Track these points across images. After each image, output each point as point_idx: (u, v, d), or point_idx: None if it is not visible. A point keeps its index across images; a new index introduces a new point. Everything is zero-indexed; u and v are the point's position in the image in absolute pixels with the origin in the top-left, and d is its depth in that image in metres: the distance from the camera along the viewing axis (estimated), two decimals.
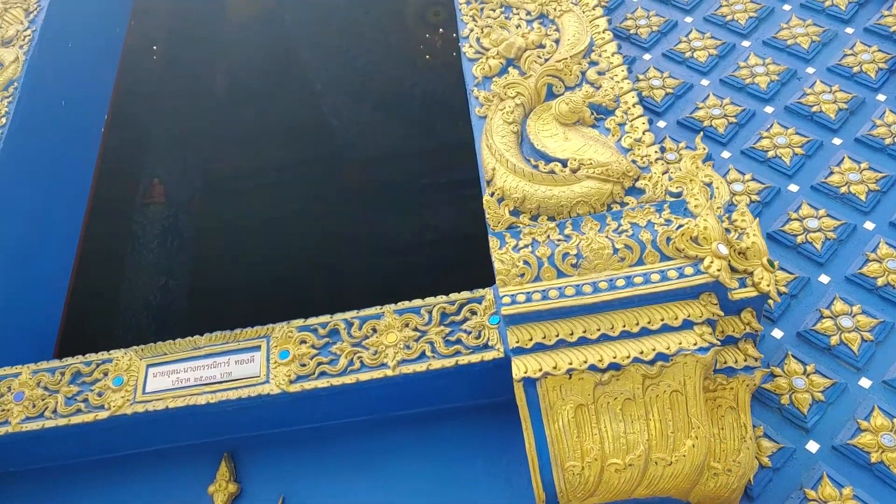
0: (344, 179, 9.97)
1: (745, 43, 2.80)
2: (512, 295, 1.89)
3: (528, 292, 1.89)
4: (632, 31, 2.90)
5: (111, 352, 2.23)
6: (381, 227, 10.20)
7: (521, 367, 1.84)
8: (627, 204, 2.12)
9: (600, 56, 2.48)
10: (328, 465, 2.15)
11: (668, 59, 2.80)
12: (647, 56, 2.83)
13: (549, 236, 1.97)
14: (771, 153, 2.52)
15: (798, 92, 2.65)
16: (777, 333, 2.19)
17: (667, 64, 2.79)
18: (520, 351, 1.86)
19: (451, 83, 11.82)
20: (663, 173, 2.15)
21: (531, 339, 1.86)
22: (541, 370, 1.83)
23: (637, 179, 2.16)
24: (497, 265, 1.94)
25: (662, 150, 2.31)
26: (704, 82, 2.73)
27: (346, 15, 9.51)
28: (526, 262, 1.93)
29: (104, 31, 3.54)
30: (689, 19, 2.89)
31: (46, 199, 2.94)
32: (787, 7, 2.86)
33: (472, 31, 2.60)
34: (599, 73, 2.43)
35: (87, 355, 2.24)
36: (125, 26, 3.69)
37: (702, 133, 2.55)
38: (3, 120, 2.78)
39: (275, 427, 2.17)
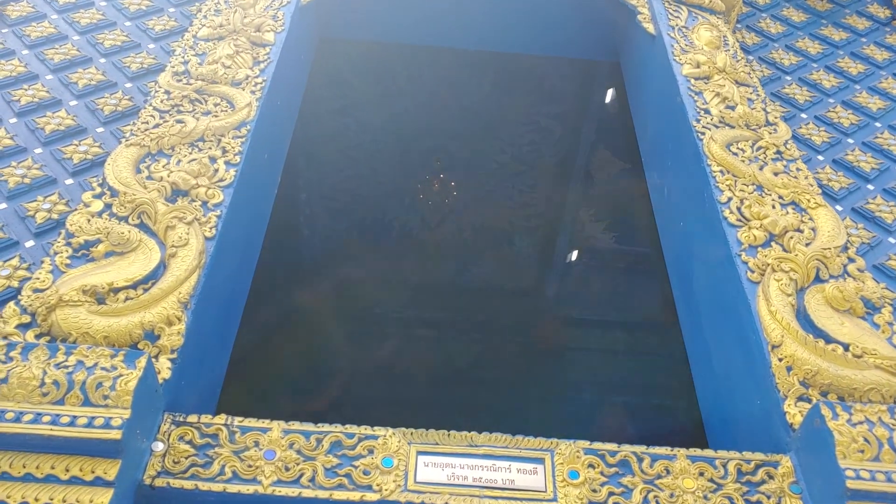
0: (297, 292, 9.79)
1: None
2: (856, 470, 1.87)
3: (872, 471, 1.87)
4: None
5: (374, 428, 2.06)
6: (320, 348, 9.97)
7: None
8: None
9: (856, 255, 2.60)
10: None
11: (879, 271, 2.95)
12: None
13: (880, 418, 1.98)
14: None
15: None
16: None
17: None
18: None
19: (432, 226, 12.01)
20: None
21: None
22: None
23: None
24: (836, 436, 1.92)
25: None
26: None
27: (353, 138, 9.68)
28: (866, 440, 1.92)
29: (293, 102, 3.50)
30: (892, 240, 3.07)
31: (245, 249, 2.79)
32: None
33: (730, 199, 2.70)
34: (860, 270, 2.54)
35: (346, 426, 2.05)
36: (300, 98, 3.67)
37: None
38: (238, 159, 2.67)
39: None
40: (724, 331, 2.56)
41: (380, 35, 4.31)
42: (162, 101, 2.86)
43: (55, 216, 2.60)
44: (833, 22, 4.06)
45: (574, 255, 11.96)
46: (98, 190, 2.53)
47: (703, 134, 2.92)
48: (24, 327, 2.12)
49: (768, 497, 1.99)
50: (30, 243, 2.51)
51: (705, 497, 1.98)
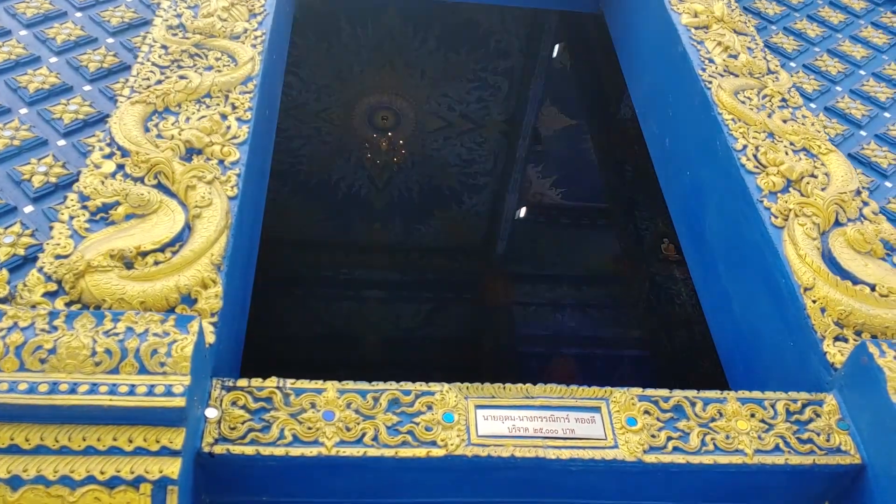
0: None
1: None
2: None
3: None
4: None
5: (429, 384, 2.03)
6: (267, 311, 9.87)
7: None
8: None
9: (869, 199, 2.67)
10: None
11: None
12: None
13: None
14: None
15: None
16: None
17: None
18: None
19: (379, 186, 11.95)
20: None
21: None
22: None
23: None
24: (887, 372, 1.98)
25: None
26: None
27: (297, 98, 9.52)
28: None
29: (283, 55, 3.38)
30: None
31: (256, 207, 2.70)
32: None
33: (745, 146, 2.72)
34: (875, 213, 2.60)
35: (401, 383, 2.02)
36: (287, 51, 3.55)
37: None
38: (249, 115, 2.57)
39: (614, 497, 2.02)
40: (746, 276, 2.60)
41: None
42: (160, 57, 2.72)
43: (53, 179, 2.46)
44: None
45: (522, 211, 12.02)
46: (107, 150, 2.40)
47: (710, 83, 2.93)
48: (51, 295, 2.01)
49: (818, 434, 2.05)
50: (29, 208, 2.37)
51: (759, 437, 2.02)
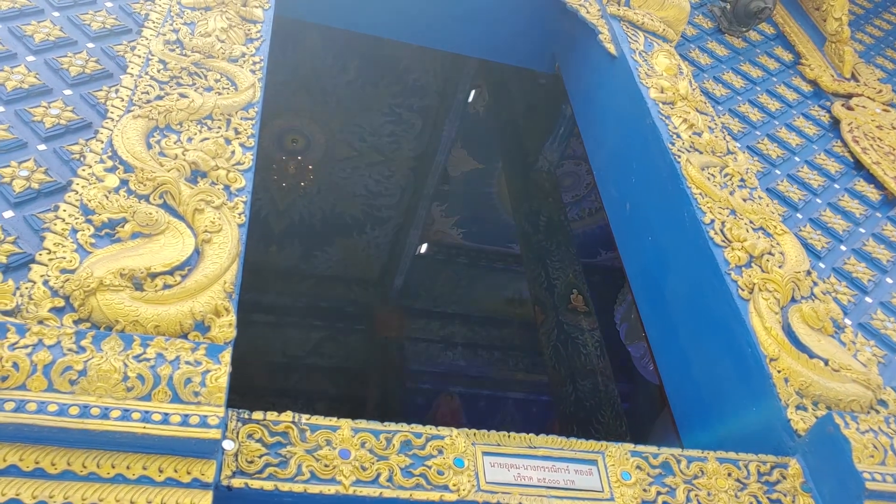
0: None
1: None
2: (871, 473, 2.13)
3: (883, 473, 2.15)
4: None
5: (439, 428, 2.07)
6: None
7: None
8: (879, 412, 2.49)
9: (817, 280, 2.93)
10: None
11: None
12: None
13: (880, 427, 2.27)
14: None
15: None
16: None
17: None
18: None
19: (280, 209, 11.81)
20: None
21: None
22: None
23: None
24: (853, 443, 2.18)
25: None
26: None
27: None
28: (874, 446, 2.20)
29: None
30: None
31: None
32: None
33: (713, 221, 2.93)
34: (824, 293, 2.86)
35: (412, 425, 2.05)
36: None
37: None
38: (252, 142, 2.56)
39: None
40: (708, 340, 2.79)
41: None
42: (159, 72, 2.67)
43: (35, 185, 2.37)
44: (749, 59, 4.46)
45: (423, 247, 12.16)
46: (109, 163, 2.34)
47: (680, 157, 3.14)
48: (58, 311, 1.94)
49: (785, 496, 2.23)
50: (8, 213, 2.27)
51: (736, 496, 2.17)
